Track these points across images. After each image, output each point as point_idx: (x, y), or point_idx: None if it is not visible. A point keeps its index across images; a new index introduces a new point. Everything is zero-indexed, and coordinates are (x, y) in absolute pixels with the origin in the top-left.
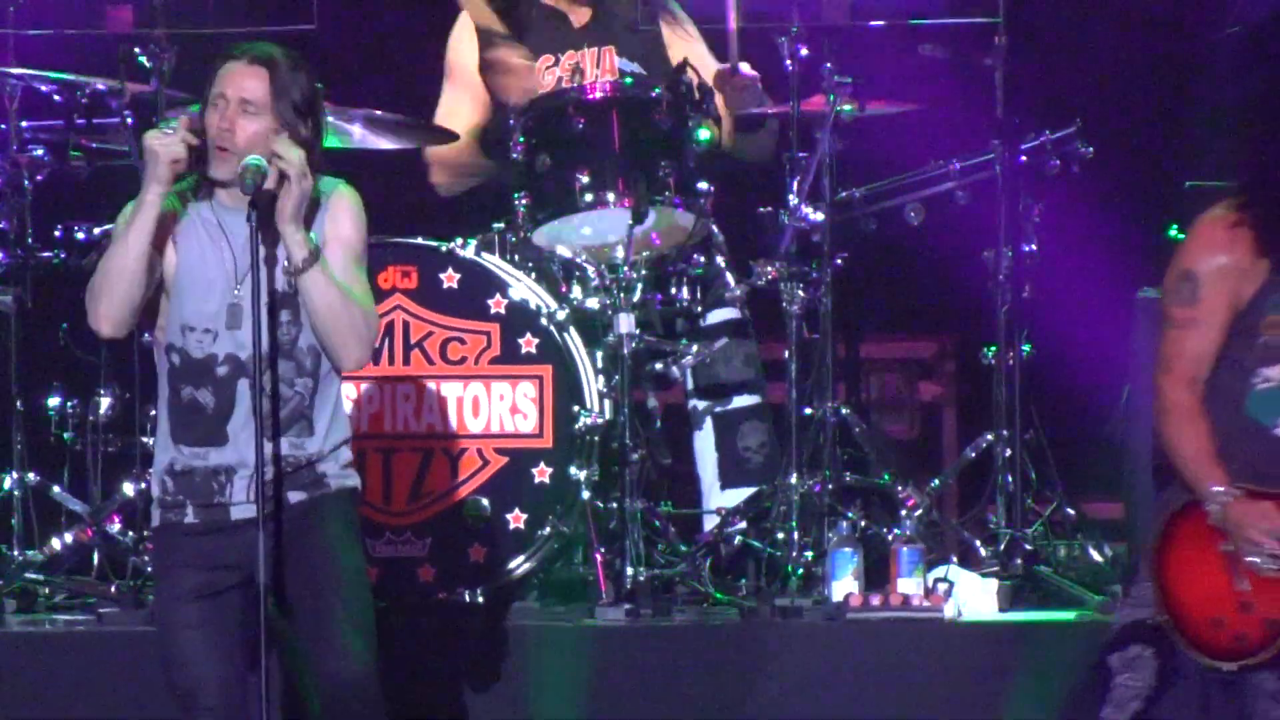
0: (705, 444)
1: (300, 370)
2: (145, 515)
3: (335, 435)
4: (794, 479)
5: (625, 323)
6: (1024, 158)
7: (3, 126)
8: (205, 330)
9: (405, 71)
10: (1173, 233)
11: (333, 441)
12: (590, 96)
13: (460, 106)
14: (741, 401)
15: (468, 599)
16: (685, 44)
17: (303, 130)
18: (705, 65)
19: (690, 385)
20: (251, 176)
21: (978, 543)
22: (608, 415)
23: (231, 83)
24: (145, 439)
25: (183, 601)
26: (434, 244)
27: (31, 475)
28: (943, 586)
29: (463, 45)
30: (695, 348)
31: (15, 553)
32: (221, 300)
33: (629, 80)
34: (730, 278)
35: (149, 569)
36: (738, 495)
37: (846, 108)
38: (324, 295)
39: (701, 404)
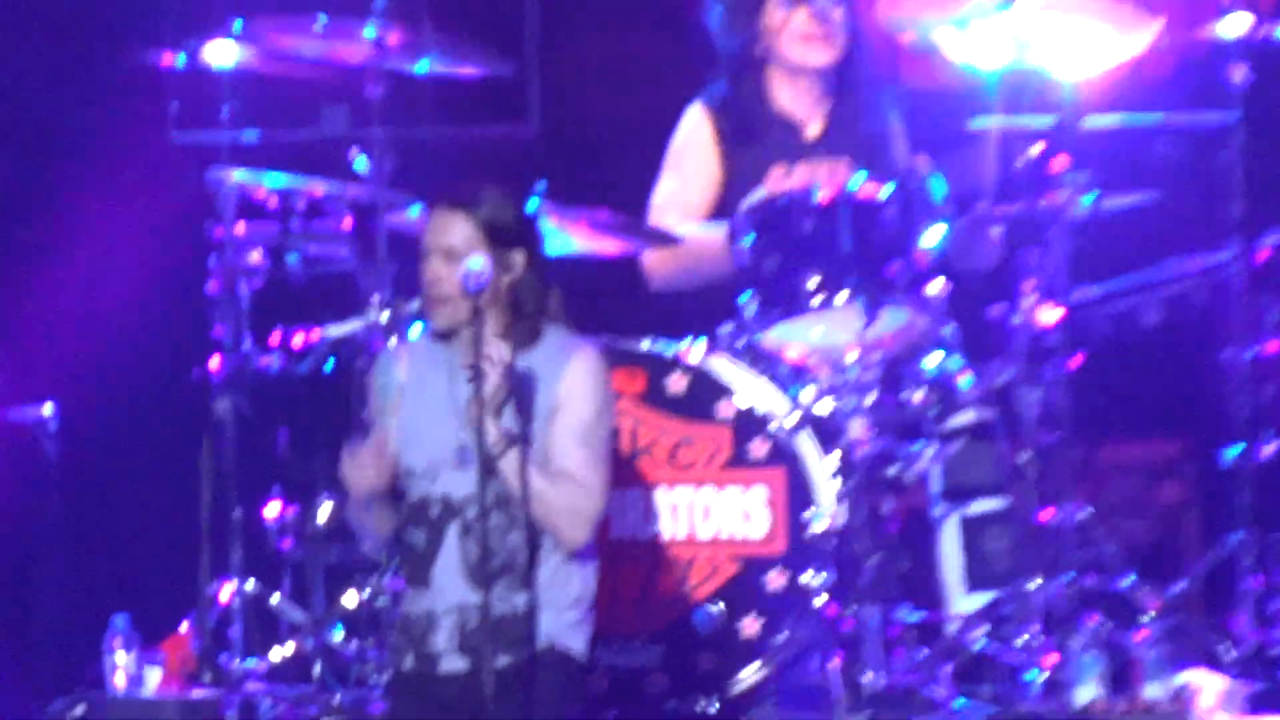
0: (950, 547)
1: (514, 523)
2: (368, 624)
3: (557, 593)
4: (1036, 584)
5: (859, 427)
6: (1263, 255)
7: (219, 231)
8: (423, 474)
9: (632, 170)
10: None
11: (552, 599)
12: (819, 197)
13: (688, 193)
14: (987, 505)
15: (700, 709)
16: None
17: (518, 262)
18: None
19: (933, 488)
20: (474, 280)
21: (1223, 646)
22: (843, 520)
23: (435, 231)
24: (365, 548)
25: None
26: (662, 346)
27: (251, 584)
28: (1188, 691)
29: (697, 135)
30: (931, 451)
31: (237, 663)
32: (448, 441)
33: (854, 185)
34: (966, 379)
35: (370, 679)
36: (982, 599)
37: (1083, 200)
38: (521, 482)
39: (944, 507)
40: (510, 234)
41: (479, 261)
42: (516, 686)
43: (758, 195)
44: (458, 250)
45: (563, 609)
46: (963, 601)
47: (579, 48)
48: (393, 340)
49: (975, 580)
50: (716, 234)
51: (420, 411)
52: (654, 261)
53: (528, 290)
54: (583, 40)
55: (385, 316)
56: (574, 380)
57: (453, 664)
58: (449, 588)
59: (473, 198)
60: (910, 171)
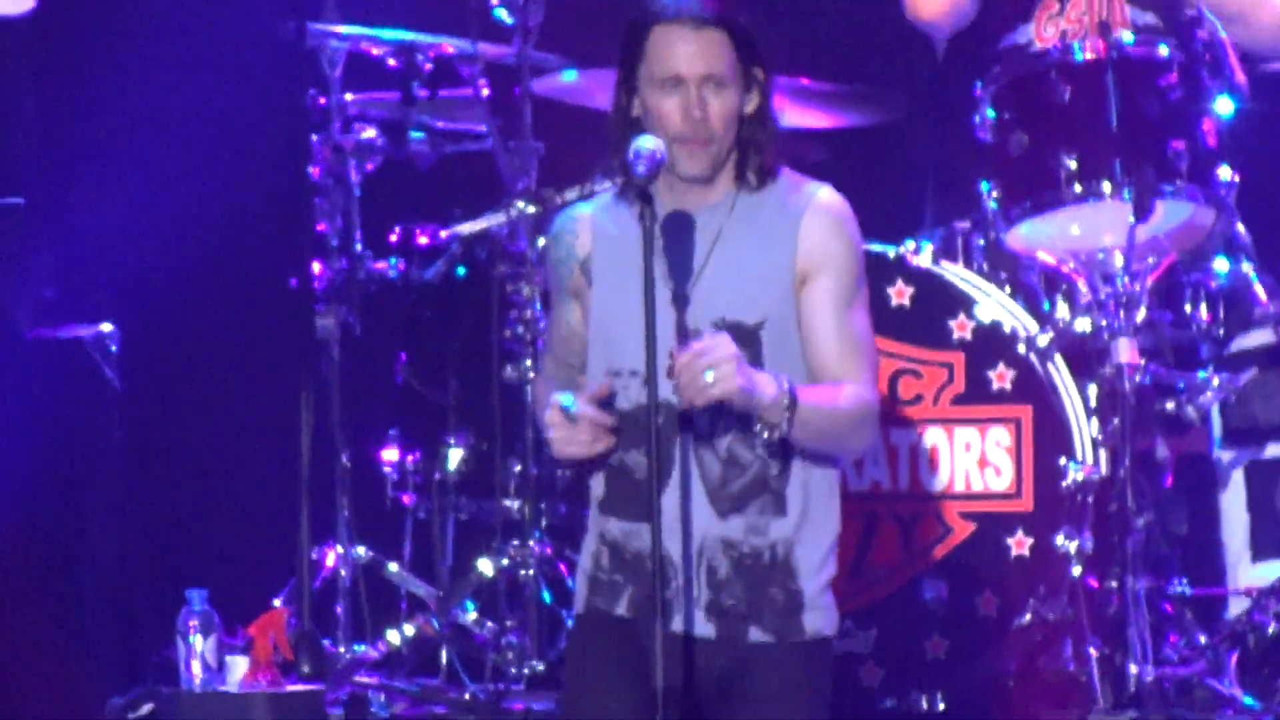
0: (1234, 504)
1: (754, 425)
2: (510, 600)
3: (820, 526)
4: None
5: (1127, 349)
6: None
7: (323, 101)
8: (632, 373)
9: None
10: None
11: (816, 534)
12: (1079, 58)
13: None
14: None
15: (925, 706)
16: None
17: (762, 80)
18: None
19: (1216, 429)
20: (647, 163)
21: None
22: (1104, 469)
23: (685, 58)
24: (508, 502)
25: (595, 714)
26: (879, 248)
27: (362, 550)
28: None
29: None
30: (1218, 381)
31: (343, 649)
32: (662, 332)
33: (1129, 37)
34: (1261, 291)
35: (543, 669)
36: (1274, 570)
37: None
38: (816, 431)
39: (1229, 454)
40: (757, 48)
41: (651, 141)
42: (771, 683)
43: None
44: (726, 79)
45: (825, 545)
46: (1249, 573)
47: None
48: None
49: (1264, 547)
50: None
51: (619, 294)
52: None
53: (763, 126)
54: None
55: (532, 209)
56: (822, 231)
57: (696, 627)
58: (687, 519)
59: (723, 10)
60: (1199, 20)
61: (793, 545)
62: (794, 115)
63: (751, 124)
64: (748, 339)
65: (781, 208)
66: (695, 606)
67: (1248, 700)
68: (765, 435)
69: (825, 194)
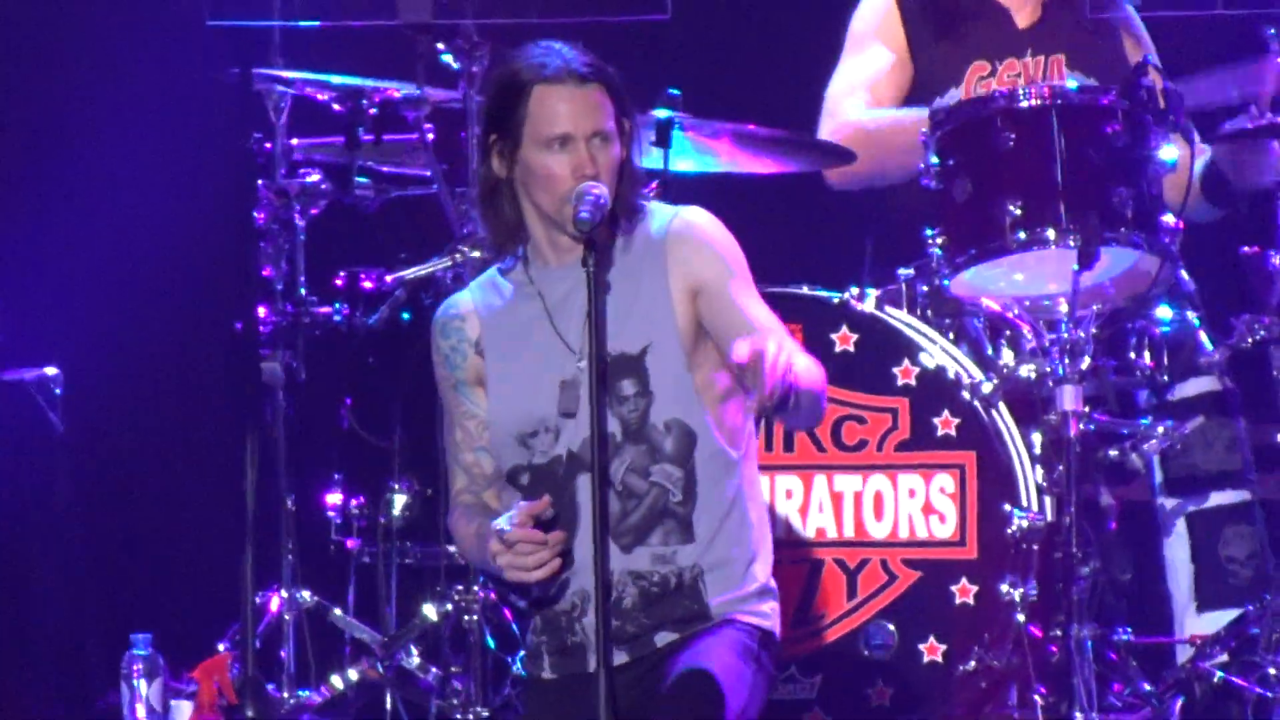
0: (1177, 553)
1: (656, 454)
2: (455, 645)
3: (733, 544)
4: None
5: (1071, 397)
6: None
7: (268, 146)
8: (546, 430)
9: (784, 74)
10: None
11: (727, 553)
12: (1024, 104)
13: (868, 67)
14: (1224, 499)
15: None
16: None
17: (636, 157)
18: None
19: (1158, 478)
20: (590, 209)
21: None
22: (1049, 516)
23: (572, 115)
24: (450, 547)
25: None
26: (824, 295)
27: (306, 594)
28: None
29: (886, 15)
30: (1162, 429)
31: (287, 694)
32: (552, 385)
33: (1073, 85)
34: (1205, 338)
35: (487, 714)
36: (1218, 619)
37: None
38: (806, 399)
39: (1172, 502)
40: (627, 100)
41: (598, 186)
42: (685, 661)
43: (948, 100)
44: (610, 133)
45: (739, 567)
46: (1194, 622)
47: None
48: (450, 297)
49: (1208, 596)
50: (915, 117)
51: (519, 358)
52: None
53: (636, 163)
54: None
55: (477, 254)
56: (689, 247)
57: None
58: (591, 556)
59: (598, 66)
60: (1143, 68)
61: (702, 572)
62: (740, 160)
63: (624, 171)
64: (633, 366)
65: (647, 239)
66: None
67: None
68: (757, 407)
69: (683, 213)
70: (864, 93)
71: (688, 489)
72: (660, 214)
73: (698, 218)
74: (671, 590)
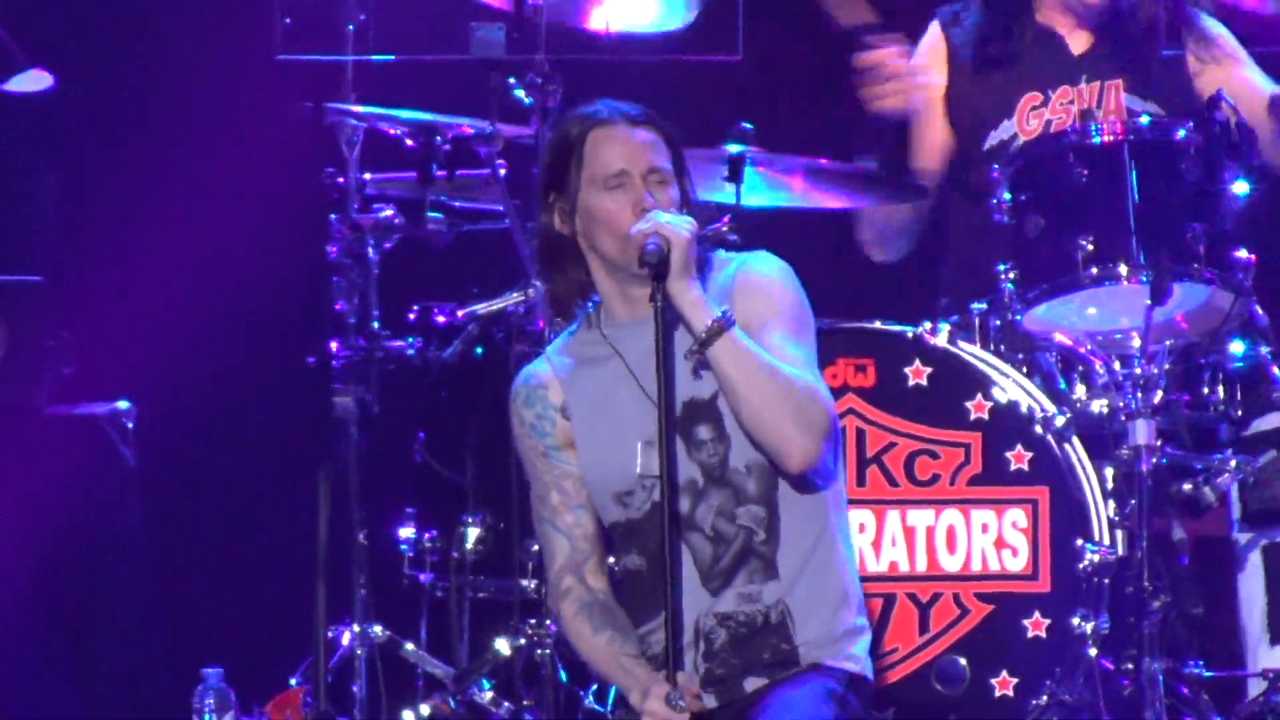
0: (1252, 586)
1: (740, 496)
2: (527, 679)
3: (820, 582)
4: None
5: (1144, 431)
6: None
7: (340, 180)
8: (642, 487)
9: (856, 110)
10: None
11: (813, 592)
12: (1096, 139)
13: (932, 135)
14: None
15: None
16: (1220, 70)
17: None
18: (1249, 94)
19: (1236, 511)
20: (655, 241)
21: None
22: (1121, 550)
23: (628, 153)
24: (525, 581)
25: None
26: (896, 329)
27: (378, 629)
28: None
29: (922, 54)
30: (1234, 463)
31: None
32: (638, 442)
33: (1145, 119)
34: (1279, 372)
35: None
36: None
37: None
38: (740, 366)
39: (1247, 536)
40: (679, 148)
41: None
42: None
43: (1001, 132)
44: (667, 174)
45: (827, 607)
46: (1269, 655)
47: None
48: (529, 366)
49: None
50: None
51: (606, 420)
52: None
53: (695, 211)
54: None
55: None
56: (755, 282)
57: (697, 703)
58: (685, 603)
59: (650, 113)
60: (1216, 102)
61: (788, 609)
62: (813, 196)
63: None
64: (705, 410)
65: (716, 286)
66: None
67: None
68: (691, 349)
69: (750, 259)
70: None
71: (771, 527)
72: (731, 262)
73: (761, 263)
74: (759, 629)
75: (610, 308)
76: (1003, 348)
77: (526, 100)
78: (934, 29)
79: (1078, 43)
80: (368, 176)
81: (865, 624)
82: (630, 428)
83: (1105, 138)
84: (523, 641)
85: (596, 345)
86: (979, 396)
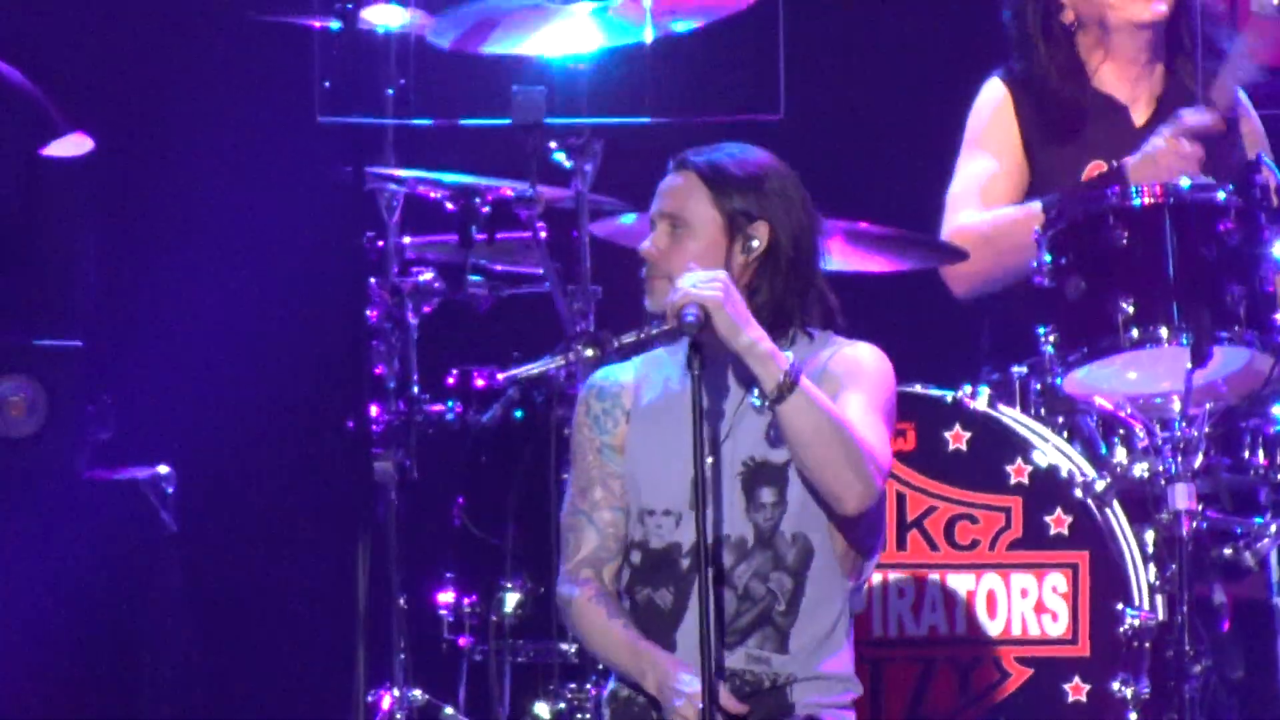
0: None
1: (778, 563)
2: None
3: (826, 662)
4: None
5: (1184, 495)
6: None
7: (380, 244)
8: (666, 513)
9: (898, 171)
10: None
11: (819, 668)
12: (1136, 201)
13: (983, 171)
14: None
15: None
16: (1260, 143)
17: (760, 235)
18: None
19: (1275, 576)
20: (691, 311)
21: None
22: (1161, 615)
23: (664, 195)
24: (565, 645)
25: None
26: (937, 393)
27: (418, 693)
28: None
29: (998, 116)
30: (1275, 527)
31: None
32: (686, 473)
33: (1186, 182)
34: None
35: None
36: None
37: None
38: (809, 418)
39: None
40: (749, 198)
41: (696, 279)
42: None
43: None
44: (681, 222)
45: (831, 684)
46: None
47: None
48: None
49: None
50: (1028, 212)
51: (656, 437)
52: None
53: (774, 278)
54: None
55: (590, 352)
56: (844, 361)
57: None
58: (696, 651)
59: (705, 162)
60: (1256, 165)
61: (794, 680)
62: (852, 259)
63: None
64: (776, 475)
65: (814, 357)
66: None
67: None
68: (759, 400)
69: (857, 344)
70: (976, 197)
71: (792, 601)
72: (838, 340)
73: (861, 348)
74: (763, 690)
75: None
76: (1043, 411)
77: (567, 163)
78: (996, 86)
79: (1140, 113)
80: (407, 240)
81: (857, 681)
82: (675, 454)
83: (1145, 200)
84: (563, 706)
85: (682, 367)
86: (1019, 460)
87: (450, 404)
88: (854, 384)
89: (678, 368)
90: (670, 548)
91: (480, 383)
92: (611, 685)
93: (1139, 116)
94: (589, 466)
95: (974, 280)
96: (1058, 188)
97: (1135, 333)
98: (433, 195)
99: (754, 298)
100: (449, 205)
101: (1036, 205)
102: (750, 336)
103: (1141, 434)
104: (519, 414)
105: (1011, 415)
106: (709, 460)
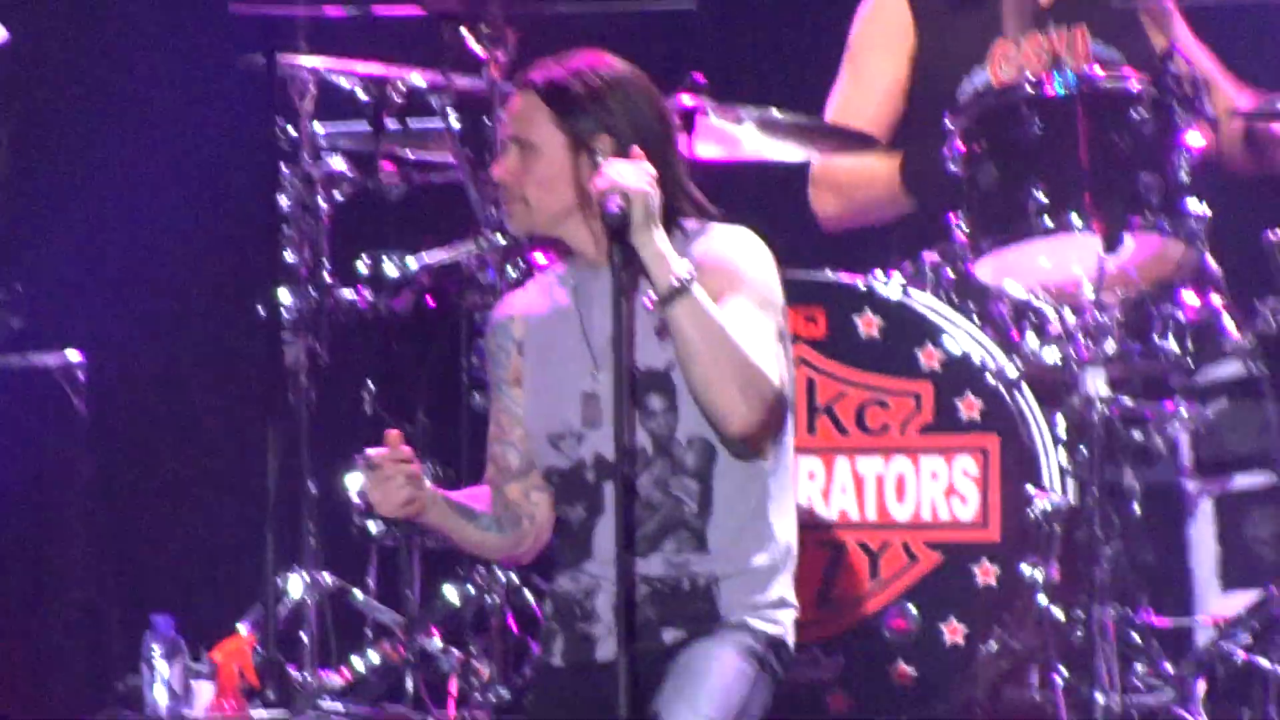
0: (1202, 534)
1: (678, 468)
2: (476, 627)
3: (753, 555)
4: None
5: (1095, 381)
6: None
7: (293, 133)
8: (568, 434)
9: (809, 62)
10: None
11: (745, 564)
12: (1049, 91)
13: (865, 103)
14: (1250, 480)
15: None
16: (1166, 36)
17: (603, 148)
18: (1194, 58)
19: (1186, 460)
20: (616, 202)
21: None
22: (1072, 498)
23: (510, 118)
24: None
25: None
26: (847, 279)
27: (328, 577)
28: None
29: (885, 19)
30: (1185, 412)
31: (308, 676)
32: (579, 392)
33: (1100, 70)
34: (1230, 322)
35: (509, 696)
36: (1243, 598)
37: None
38: (699, 327)
39: (1198, 484)
40: (590, 114)
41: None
42: (686, 657)
43: (975, 80)
44: (527, 140)
45: (758, 576)
46: (1217, 602)
47: None
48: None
49: (1232, 577)
50: (887, 171)
51: (550, 360)
52: (823, 197)
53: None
54: None
55: (501, 240)
56: (715, 256)
57: (610, 651)
58: (608, 556)
59: (549, 82)
60: (1170, 53)
61: (717, 579)
62: (765, 147)
63: (541, 183)
64: (660, 381)
65: (689, 253)
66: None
67: None
68: (653, 305)
69: (722, 229)
70: (859, 118)
71: (703, 502)
72: (703, 228)
73: (729, 237)
74: (685, 593)
75: (583, 249)
76: (955, 297)
77: (480, 52)
78: None
79: None
80: (320, 128)
81: (794, 602)
82: (572, 376)
83: (1059, 89)
84: (472, 590)
85: (563, 285)
86: (930, 346)
87: (362, 291)
88: (736, 288)
89: (564, 289)
90: (577, 465)
91: (392, 270)
92: (553, 584)
93: None
94: (490, 400)
95: (840, 222)
96: (966, 66)
97: (1048, 220)
98: (345, 83)
99: (544, 202)
100: (361, 93)
101: (893, 162)
102: (656, 235)
103: (1053, 320)
104: (430, 301)
105: (923, 301)
106: (598, 377)
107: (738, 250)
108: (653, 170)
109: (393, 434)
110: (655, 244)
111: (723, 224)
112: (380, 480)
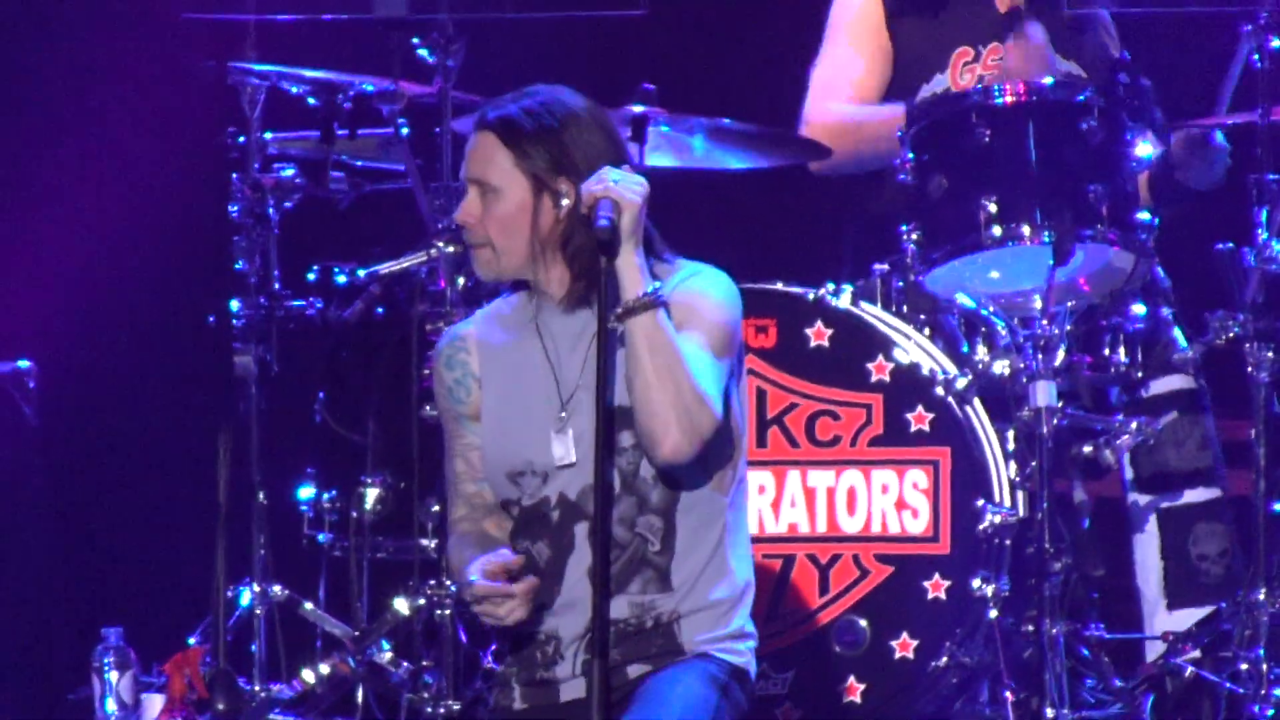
0: (1148, 550)
1: (643, 507)
2: (427, 639)
3: (713, 590)
4: (1261, 595)
5: (1044, 393)
6: None
7: (241, 140)
8: (532, 473)
9: (760, 69)
10: None
11: (705, 600)
12: (999, 100)
13: (851, 65)
14: (1195, 496)
15: None
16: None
17: (566, 192)
18: None
19: (1129, 474)
20: (607, 214)
21: None
22: (1021, 512)
23: (469, 160)
24: (425, 541)
25: None
26: (798, 290)
27: (278, 588)
28: None
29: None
30: (1135, 425)
31: (258, 688)
32: (543, 430)
33: (1049, 80)
34: (1179, 335)
35: (459, 709)
36: (1190, 616)
37: None
38: (654, 346)
39: (1144, 498)
40: (549, 154)
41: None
42: (651, 690)
43: (935, 86)
44: (488, 182)
45: (719, 610)
46: (1164, 618)
47: None
48: (456, 323)
49: (1179, 593)
50: (894, 113)
51: (513, 397)
52: (820, 134)
53: (582, 235)
54: None
55: (452, 249)
56: (682, 295)
57: (575, 690)
58: (581, 600)
59: (506, 120)
60: (1120, 65)
61: (679, 616)
62: (716, 156)
63: (519, 225)
64: (630, 418)
65: (665, 284)
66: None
67: None
68: (615, 316)
69: (697, 266)
70: (848, 90)
71: (666, 539)
72: (682, 269)
73: (705, 275)
74: (648, 630)
75: (551, 290)
76: (905, 309)
77: (430, 59)
78: None
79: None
80: (269, 136)
81: (753, 631)
82: (537, 414)
83: (1008, 98)
84: (422, 602)
85: (525, 321)
86: (880, 358)
87: (312, 300)
88: (697, 326)
89: (519, 323)
90: (540, 503)
91: (342, 279)
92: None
93: (1002, 4)
94: (451, 437)
95: (833, 165)
96: (926, 73)
97: (997, 231)
98: (295, 91)
99: (567, 246)
100: (311, 101)
101: (901, 107)
102: (636, 250)
103: (1003, 332)
104: (380, 310)
105: (873, 313)
106: (563, 416)
107: (710, 289)
108: (645, 184)
109: (512, 564)
110: (634, 255)
111: (694, 268)
112: (490, 605)
